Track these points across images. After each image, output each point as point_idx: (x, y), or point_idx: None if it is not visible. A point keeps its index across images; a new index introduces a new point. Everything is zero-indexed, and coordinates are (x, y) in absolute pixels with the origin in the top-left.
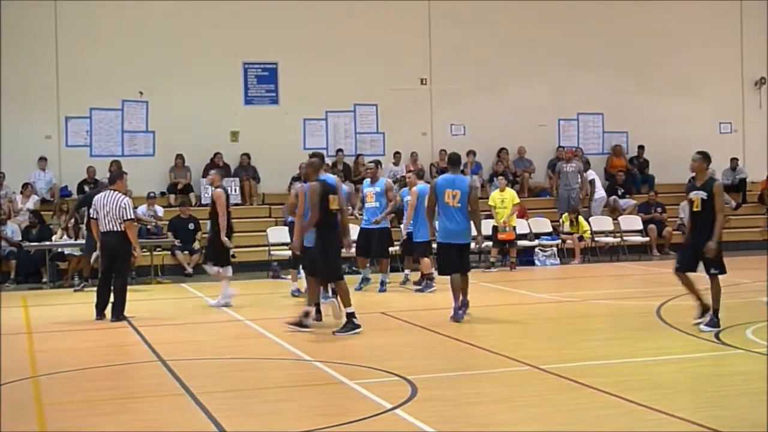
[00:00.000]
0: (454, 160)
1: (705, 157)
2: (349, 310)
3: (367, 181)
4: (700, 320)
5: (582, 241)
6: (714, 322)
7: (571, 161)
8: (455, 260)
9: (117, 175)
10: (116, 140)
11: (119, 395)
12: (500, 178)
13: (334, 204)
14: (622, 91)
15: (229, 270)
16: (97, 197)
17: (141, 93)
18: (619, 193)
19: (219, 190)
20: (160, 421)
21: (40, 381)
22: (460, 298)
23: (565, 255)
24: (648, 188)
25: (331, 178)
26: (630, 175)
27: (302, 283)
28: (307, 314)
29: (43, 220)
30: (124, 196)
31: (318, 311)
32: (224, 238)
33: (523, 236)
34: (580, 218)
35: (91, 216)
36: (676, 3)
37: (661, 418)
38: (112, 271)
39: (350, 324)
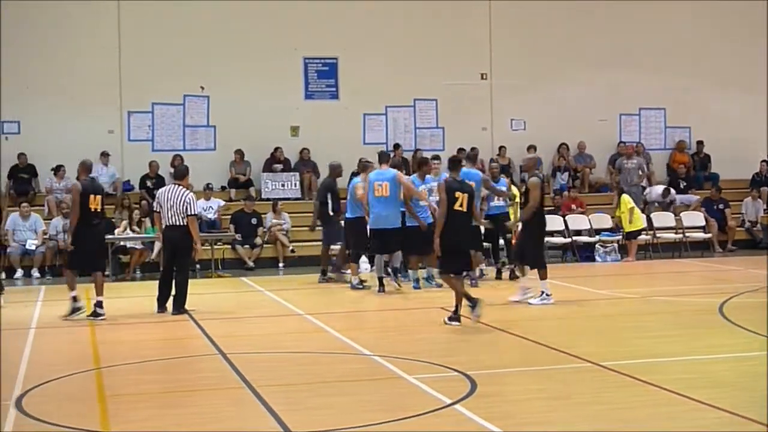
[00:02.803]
0: (470, 157)
1: (450, 161)
2: (73, 294)
3: (429, 176)
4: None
5: (635, 240)
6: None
7: (632, 157)
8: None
9: (184, 170)
10: (178, 135)
11: (179, 388)
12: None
13: (95, 204)
14: (684, 86)
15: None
16: (161, 191)
17: (202, 88)
18: (681, 186)
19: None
20: (220, 414)
21: (102, 372)
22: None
23: (627, 251)
24: (711, 185)
25: None
26: (693, 170)
27: (366, 275)
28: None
29: (105, 214)
30: (188, 191)
31: (381, 284)
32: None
33: (583, 232)
34: (624, 198)
35: (154, 209)
36: None
37: (722, 416)
38: (174, 264)
39: (73, 309)
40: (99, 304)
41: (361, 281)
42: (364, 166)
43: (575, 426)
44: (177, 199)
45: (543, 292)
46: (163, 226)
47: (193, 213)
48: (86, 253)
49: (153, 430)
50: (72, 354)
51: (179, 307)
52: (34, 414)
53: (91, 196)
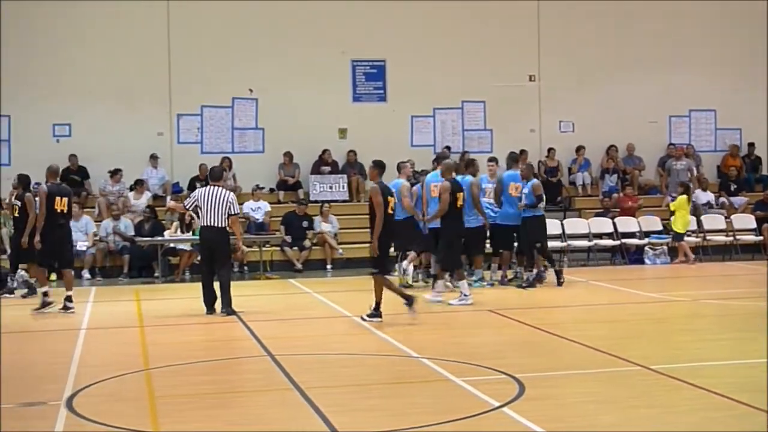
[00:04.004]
0: (514, 158)
1: (376, 165)
2: (44, 289)
3: (484, 177)
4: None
5: (681, 242)
6: (374, 314)
7: (681, 159)
8: (512, 238)
9: (221, 172)
10: (227, 137)
11: (229, 389)
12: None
13: (61, 205)
14: (734, 88)
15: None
16: (200, 191)
17: (251, 90)
18: (732, 189)
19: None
20: (269, 415)
21: (151, 373)
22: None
23: (676, 254)
24: (763, 187)
25: None
26: (744, 172)
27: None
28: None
29: (156, 216)
30: (228, 191)
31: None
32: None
33: (632, 234)
34: (681, 199)
35: (186, 206)
36: None
37: None
38: (213, 265)
39: (44, 303)
40: (69, 299)
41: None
42: (398, 167)
43: (626, 429)
44: (219, 199)
45: (462, 293)
46: (199, 226)
47: (235, 213)
48: (53, 251)
49: (202, 431)
50: (121, 355)
51: (227, 306)
52: (85, 414)
53: (57, 199)
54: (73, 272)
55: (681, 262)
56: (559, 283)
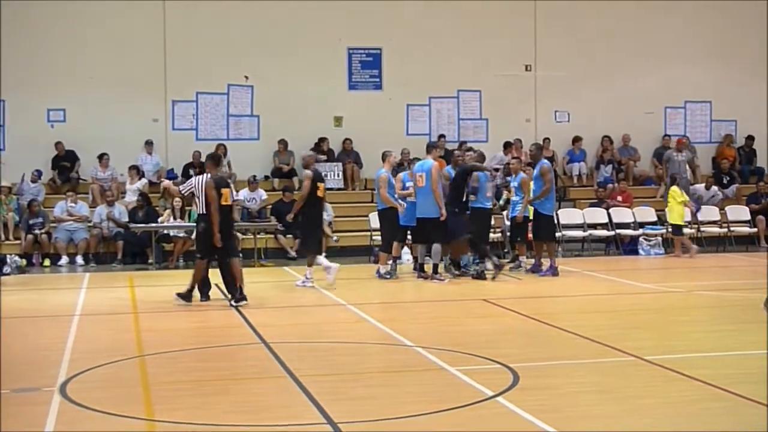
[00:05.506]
0: (540, 147)
1: (211, 158)
2: None
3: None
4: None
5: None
6: (187, 296)
7: (682, 150)
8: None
9: (220, 158)
10: (222, 124)
11: (223, 376)
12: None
13: None
14: (730, 80)
15: None
16: (197, 179)
17: (246, 77)
18: (725, 181)
19: None
20: (263, 402)
21: (145, 360)
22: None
23: (670, 245)
24: (757, 179)
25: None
26: (739, 164)
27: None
28: None
29: (150, 203)
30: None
31: (422, 269)
32: None
33: (627, 225)
34: (674, 190)
35: (181, 190)
36: None
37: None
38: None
39: None
40: None
41: (389, 272)
42: (383, 156)
43: (622, 420)
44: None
45: (306, 275)
46: (195, 213)
47: (233, 200)
48: None
49: (195, 418)
50: (115, 341)
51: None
52: (78, 400)
53: None
54: None
55: (676, 256)
56: (476, 276)
